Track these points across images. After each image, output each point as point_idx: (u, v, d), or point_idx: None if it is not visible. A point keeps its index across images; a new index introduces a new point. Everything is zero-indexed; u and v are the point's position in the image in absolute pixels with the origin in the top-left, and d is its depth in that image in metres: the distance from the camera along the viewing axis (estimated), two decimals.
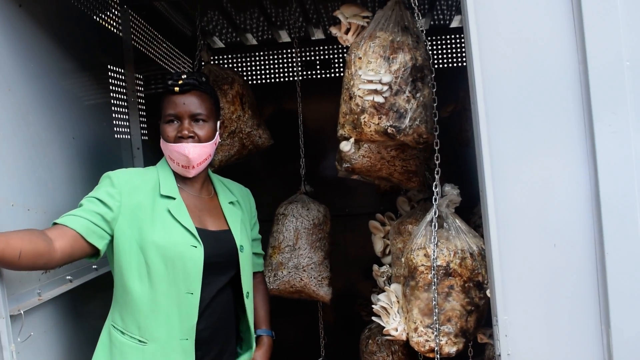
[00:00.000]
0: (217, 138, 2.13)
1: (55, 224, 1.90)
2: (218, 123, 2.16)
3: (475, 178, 2.25)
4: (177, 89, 2.05)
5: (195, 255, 1.99)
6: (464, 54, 4.07)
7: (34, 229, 1.84)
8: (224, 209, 2.18)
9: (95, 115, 2.58)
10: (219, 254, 2.06)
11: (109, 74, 2.78)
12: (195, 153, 2.04)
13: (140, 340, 1.97)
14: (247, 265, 2.16)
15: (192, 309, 1.98)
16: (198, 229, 2.03)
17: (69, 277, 2.17)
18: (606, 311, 1.65)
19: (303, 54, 4.10)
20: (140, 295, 1.96)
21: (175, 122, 2.06)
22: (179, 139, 2.04)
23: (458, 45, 4.06)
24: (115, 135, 2.77)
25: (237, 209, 2.23)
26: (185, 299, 1.97)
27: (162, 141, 2.10)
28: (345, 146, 2.23)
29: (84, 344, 2.18)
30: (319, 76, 4.15)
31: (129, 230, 1.97)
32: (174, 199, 2.04)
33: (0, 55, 1.90)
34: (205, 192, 2.18)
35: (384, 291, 2.47)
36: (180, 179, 2.12)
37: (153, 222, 1.98)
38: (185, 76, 2.07)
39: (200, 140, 2.05)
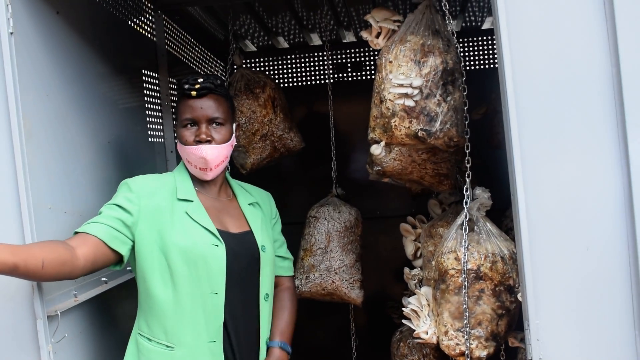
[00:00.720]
0: (233, 140, 2.15)
1: (76, 232, 1.92)
2: (234, 125, 2.18)
3: (508, 180, 2.25)
4: (194, 93, 2.07)
5: (217, 253, 2.00)
6: (496, 56, 4.04)
7: (55, 240, 1.85)
8: (244, 210, 2.19)
9: (129, 119, 2.63)
10: (242, 255, 2.06)
11: (143, 78, 2.83)
12: (213, 155, 2.05)
13: (167, 346, 1.97)
14: (267, 266, 2.14)
15: (217, 309, 1.98)
16: (219, 230, 2.04)
17: (104, 279, 2.21)
18: None
19: (334, 57, 4.11)
20: (164, 299, 1.97)
21: (193, 126, 2.08)
22: (197, 142, 2.06)
23: (490, 47, 4.03)
24: (149, 139, 2.82)
25: (257, 210, 2.24)
26: (210, 300, 1.98)
27: (179, 145, 2.12)
28: (376, 150, 2.24)
29: (117, 345, 2.20)
30: (350, 79, 4.16)
31: (149, 234, 1.98)
32: (192, 201, 2.06)
33: (38, 62, 1.95)
34: (224, 195, 2.20)
35: (415, 294, 2.47)
36: (198, 182, 2.14)
37: (172, 225, 1.99)
38: (201, 80, 2.08)
39: (217, 142, 2.07)
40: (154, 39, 2.99)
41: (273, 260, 2.20)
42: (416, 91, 2.05)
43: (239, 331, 2.05)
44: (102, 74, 2.38)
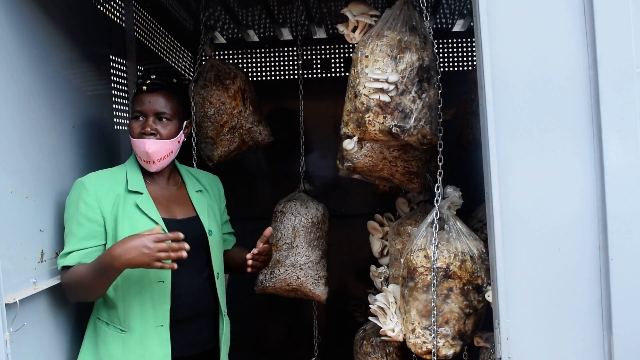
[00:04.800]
0: (180, 136, 2.23)
1: (64, 267, 2.04)
2: (185, 123, 2.26)
3: (475, 181, 2.25)
4: (145, 87, 2.17)
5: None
6: (466, 58, 4.07)
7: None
8: (191, 197, 2.30)
9: (96, 105, 2.56)
10: (188, 241, 2.06)
11: (111, 64, 2.77)
12: (155, 149, 2.14)
13: (121, 330, 2.08)
14: (216, 248, 2.27)
15: (164, 296, 2.09)
16: (166, 220, 2.15)
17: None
18: (609, 317, 1.65)
19: (305, 53, 4.08)
20: (113, 290, 2.07)
21: (141, 118, 2.17)
22: (141, 134, 2.15)
23: (460, 49, 4.05)
24: (115, 127, 2.75)
25: (204, 197, 2.34)
26: (158, 287, 2.09)
27: (130, 137, 2.20)
28: (349, 144, 2.22)
29: (76, 332, 2.19)
30: (317, 76, 4.14)
31: (109, 229, 2.09)
32: (142, 193, 2.15)
33: (4, 41, 1.88)
34: (172, 184, 2.30)
35: (380, 292, 2.46)
36: (147, 173, 2.23)
37: (123, 218, 2.09)
38: (154, 76, 2.20)
39: (161, 137, 2.16)
40: (123, 25, 2.92)
41: (221, 241, 2.34)
42: (392, 87, 2.04)
43: (191, 313, 2.17)
44: (69, 58, 2.31)
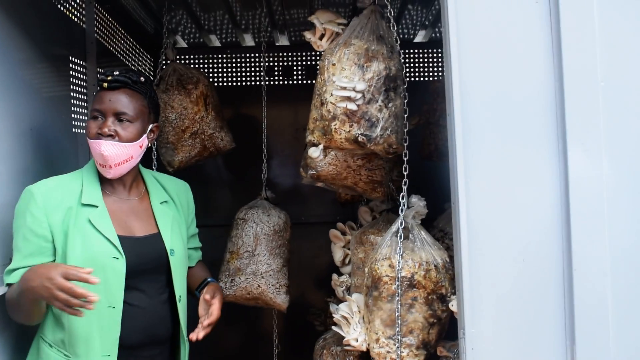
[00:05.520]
0: (143, 140, 2.03)
1: (9, 284, 1.88)
2: (150, 126, 2.07)
3: (436, 191, 2.27)
4: (105, 84, 1.98)
5: (116, 267, 1.92)
6: (427, 68, 4.11)
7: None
8: (154, 210, 2.11)
9: (54, 107, 2.50)
10: (146, 262, 2.00)
11: (70, 65, 2.70)
12: (112, 152, 1.94)
13: (65, 355, 1.90)
14: (179, 269, 2.09)
15: (113, 324, 1.91)
16: (122, 237, 1.96)
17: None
18: (572, 327, 1.66)
19: (267, 59, 4.06)
20: (59, 310, 1.82)
21: (100, 118, 1.98)
22: (98, 135, 1.95)
23: (422, 60, 4.09)
24: (73, 130, 2.68)
25: (169, 209, 2.15)
26: (107, 313, 1.90)
27: (87, 138, 2.01)
28: (314, 152, 2.21)
29: (19, 348, 2.05)
30: (278, 83, 4.12)
31: (58, 245, 1.91)
32: (97, 206, 1.96)
33: None
34: (134, 194, 2.11)
35: (342, 301, 2.44)
36: (106, 181, 2.04)
37: (74, 235, 1.90)
38: (117, 72, 2.00)
39: (120, 139, 1.96)
40: (84, 25, 2.86)
41: (185, 260, 2.16)
42: (359, 95, 2.03)
43: (144, 339, 2.00)
44: (27, 58, 2.25)
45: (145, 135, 2.04)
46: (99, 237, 1.92)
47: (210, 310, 2.06)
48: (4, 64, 2.07)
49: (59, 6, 2.58)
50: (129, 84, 1.99)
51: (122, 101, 1.97)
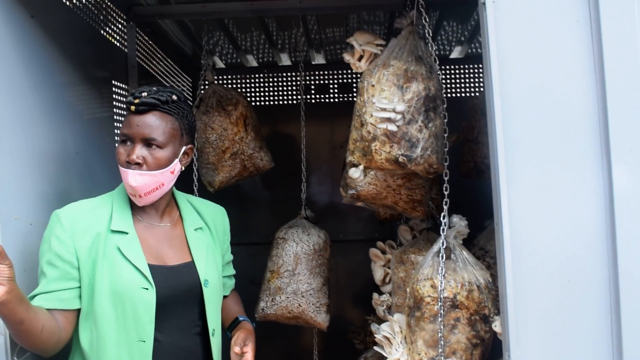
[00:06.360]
0: (175, 165, 1.89)
1: None
2: (183, 148, 1.93)
3: (475, 208, 2.25)
4: (133, 107, 1.84)
5: (146, 299, 1.81)
6: (465, 85, 4.10)
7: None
8: (188, 238, 1.99)
9: (98, 130, 2.55)
10: (178, 293, 1.89)
11: (113, 89, 2.76)
12: (141, 182, 1.83)
13: None
14: (213, 301, 1.98)
15: (144, 358, 1.80)
16: (153, 267, 1.85)
17: None
18: (619, 351, 1.63)
19: (306, 78, 4.09)
20: (88, 343, 1.80)
21: (128, 143, 1.86)
22: (127, 163, 1.84)
23: (459, 76, 4.08)
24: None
25: (204, 236, 2.04)
26: (137, 348, 1.80)
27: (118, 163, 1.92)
28: (355, 173, 2.21)
29: None
30: (314, 100, 4.15)
31: (84, 273, 1.81)
32: (127, 233, 1.86)
33: (10, 65, 1.87)
34: (167, 219, 2.00)
35: (382, 320, 2.44)
36: (138, 206, 1.93)
37: (102, 263, 1.80)
38: (145, 93, 1.85)
39: (149, 167, 1.84)
40: (125, 49, 2.92)
41: (219, 292, 2.04)
42: (399, 116, 2.04)
43: None
44: (72, 82, 2.31)
45: (177, 160, 1.90)
46: (128, 266, 1.81)
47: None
48: (52, 87, 2.13)
49: (101, 31, 2.65)
50: (158, 106, 1.85)
51: (151, 126, 1.83)
